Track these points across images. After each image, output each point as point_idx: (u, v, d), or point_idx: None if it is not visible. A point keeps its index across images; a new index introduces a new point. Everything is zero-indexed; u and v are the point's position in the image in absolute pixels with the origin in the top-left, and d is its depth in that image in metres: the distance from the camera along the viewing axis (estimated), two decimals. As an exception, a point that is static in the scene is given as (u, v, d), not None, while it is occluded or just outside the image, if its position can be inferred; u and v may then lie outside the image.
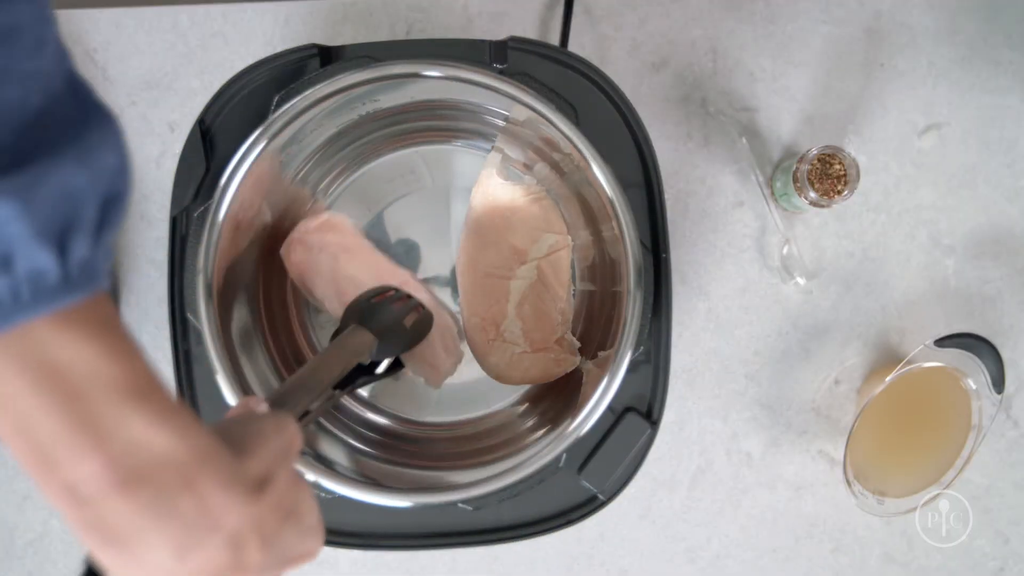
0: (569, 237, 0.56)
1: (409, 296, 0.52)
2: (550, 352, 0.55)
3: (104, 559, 0.26)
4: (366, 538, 0.50)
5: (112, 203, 0.26)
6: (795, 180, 0.57)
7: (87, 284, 0.25)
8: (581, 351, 0.56)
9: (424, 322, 0.49)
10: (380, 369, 0.51)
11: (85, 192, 0.24)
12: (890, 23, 0.63)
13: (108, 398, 0.25)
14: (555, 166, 0.54)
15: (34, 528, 0.62)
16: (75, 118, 0.25)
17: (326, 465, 0.48)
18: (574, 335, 0.56)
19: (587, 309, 0.57)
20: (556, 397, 0.56)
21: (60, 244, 0.24)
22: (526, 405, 0.58)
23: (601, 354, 0.52)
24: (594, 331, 0.56)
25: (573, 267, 0.57)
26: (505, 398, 0.58)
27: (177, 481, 0.26)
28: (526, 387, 0.58)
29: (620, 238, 0.48)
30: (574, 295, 0.57)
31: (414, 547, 0.50)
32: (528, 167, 0.57)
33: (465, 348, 0.57)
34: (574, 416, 0.48)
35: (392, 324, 0.47)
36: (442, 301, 0.57)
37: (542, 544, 0.62)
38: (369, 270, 0.54)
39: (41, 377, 0.24)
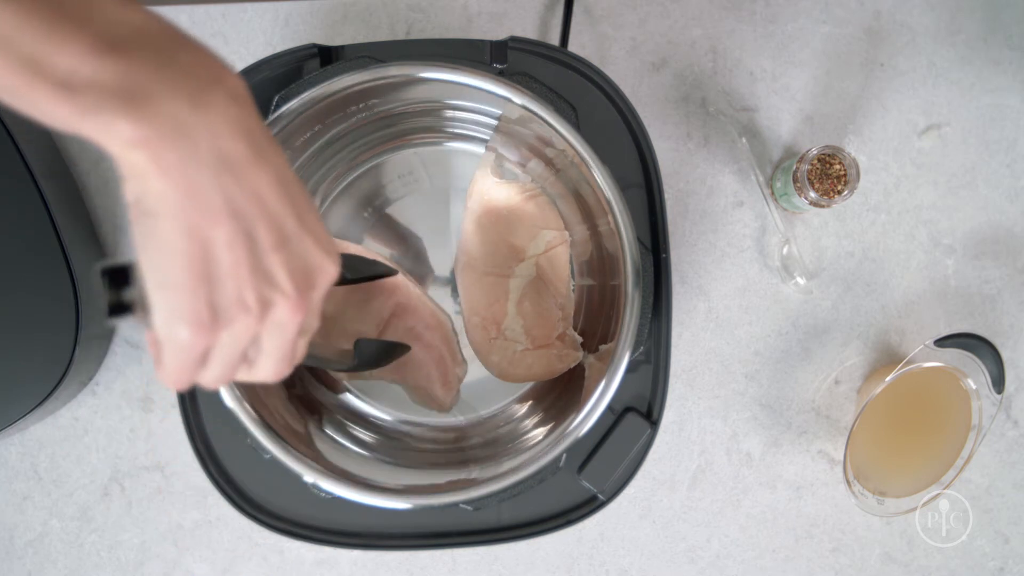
0: (566, 233, 0.56)
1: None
2: (552, 348, 0.55)
3: (118, 135, 0.26)
4: (366, 538, 0.50)
5: None
6: (795, 180, 0.57)
7: None
8: (583, 345, 0.56)
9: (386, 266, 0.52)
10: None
11: None
12: (890, 23, 0.63)
13: None
14: (549, 163, 0.54)
15: (34, 528, 0.62)
16: None
17: (327, 467, 0.48)
18: (575, 330, 0.56)
19: (587, 303, 0.57)
20: (560, 393, 0.56)
21: None
22: (530, 402, 0.58)
23: (603, 348, 0.52)
24: (595, 325, 0.56)
25: (571, 263, 0.57)
26: (509, 396, 0.58)
27: (169, 41, 0.27)
28: (529, 384, 0.58)
29: (618, 239, 0.48)
30: (573, 290, 0.57)
31: (414, 547, 0.50)
32: (523, 165, 0.57)
33: (467, 348, 0.57)
34: (574, 416, 0.48)
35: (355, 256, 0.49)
36: (437, 302, 0.57)
37: (542, 544, 0.62)
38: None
39: None
